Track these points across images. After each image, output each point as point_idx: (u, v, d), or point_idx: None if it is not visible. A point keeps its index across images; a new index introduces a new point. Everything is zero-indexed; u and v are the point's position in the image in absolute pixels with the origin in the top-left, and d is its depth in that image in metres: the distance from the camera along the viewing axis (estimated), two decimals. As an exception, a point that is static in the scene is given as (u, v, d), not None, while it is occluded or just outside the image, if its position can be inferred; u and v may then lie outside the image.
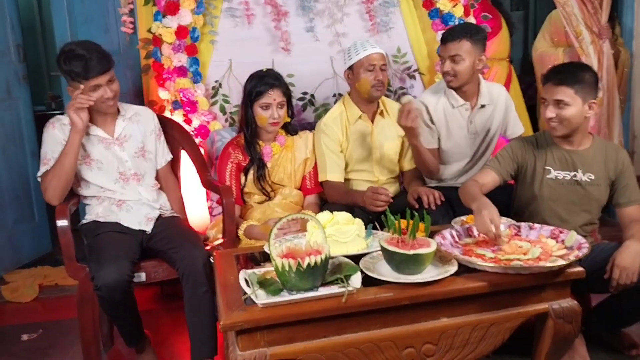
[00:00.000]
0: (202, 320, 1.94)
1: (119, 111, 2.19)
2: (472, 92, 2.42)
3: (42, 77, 5.69)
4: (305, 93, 2.95)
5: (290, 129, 2.46)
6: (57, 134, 2.09)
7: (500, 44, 3.41)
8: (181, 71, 2.74)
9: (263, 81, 2.29)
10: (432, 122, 2.46)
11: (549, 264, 1.53)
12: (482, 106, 2.44)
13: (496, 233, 1.68)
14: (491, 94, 2.47)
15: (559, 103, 1.91)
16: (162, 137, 2.33)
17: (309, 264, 1.40)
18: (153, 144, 2.27)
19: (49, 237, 3.48)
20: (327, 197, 2.48)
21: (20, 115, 3.34)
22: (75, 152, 2.02)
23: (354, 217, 1.77)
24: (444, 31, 2.51)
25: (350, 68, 2.44)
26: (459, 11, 2.87)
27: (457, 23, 2.87)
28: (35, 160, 3.40)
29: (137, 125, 2.23)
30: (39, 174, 2.08)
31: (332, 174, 2.43)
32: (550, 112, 1.94)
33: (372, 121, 2.52)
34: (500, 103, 2.49)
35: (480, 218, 1.72)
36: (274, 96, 2.27)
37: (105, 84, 2.05)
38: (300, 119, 2.93)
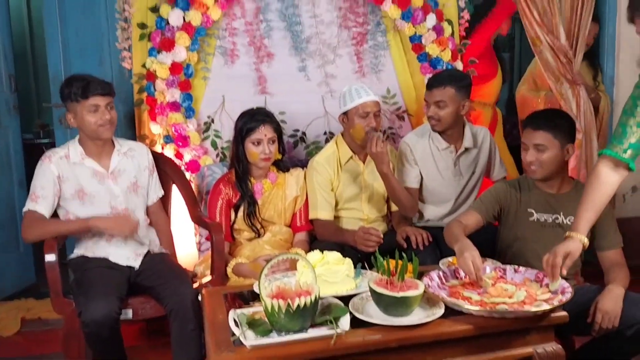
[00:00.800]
0: (190, 357, 1.93)
1: (114, 145, 2.21)
2: (457, 135, 2.49)
3: (31, 106, 5.69)
4: (296, 130, 3.01)
5: (282, 165, 2.50)
6: (52, 169, 2.10)
7: (491, 89, 3.56)
8: (174, 106, 2.78)
9: (254, 118, 2.34)
10: (415, 163, 2.51)
11: (533, 309, 1.56)
12: (466, 149, 2.51)
13: (477, 275, 1.72)
14: (475, 137, 2.54)
15: (537, 147, 1.99)
16: (155, 173, 2.35)
17: (298, 305, 1.42)
18: (146, 180, 2.29)
19: (33, 268, 3.44)
20: (317, 234, 2.50)
21: (9, 144, 3.34)
22: (70, 232, 2.09)
23: (344, 254, 1.80)
24: (430, 76, 2.60)
25: (345, 113, 2.49)
26: (447, 56, 2.97)
27: (445, 67, 2.96)
28: (22, 190, 3.39)
29: (131, 160, 2.25)
30: (25, 208, 2.09)
31: (323, 211, 2.47)
32: (530, 156, 2.01)
33: (364, 161, 2.57)
34: (484, 146, 2.56)
35: (463, 260, 1.76)
36: (265, 132, 2.31)
37: (104, 107, 2.08)
38: (291, 155, 2.97)
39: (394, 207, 2.62)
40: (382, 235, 2.28)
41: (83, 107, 2.07)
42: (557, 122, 1.99)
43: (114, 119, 2.14)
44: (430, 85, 2.42)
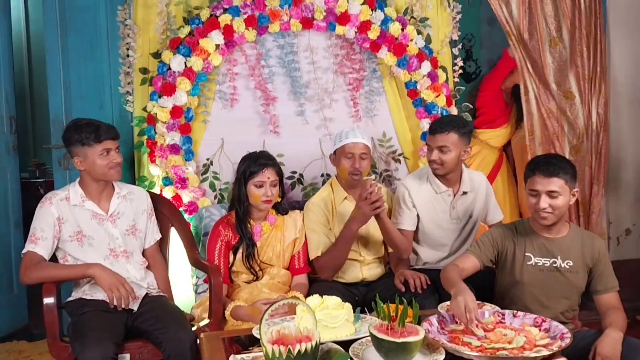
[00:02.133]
0: None
1: (114, 188, 2.24)
2: (455, 179, 2.53)
3: (28, 146, 5.72)
4: (294, 172, 3.05)
5: (281, 208, 2.52)
6: (52, 211, 2.11)
7: (500, 134, 3.64)
8: (174, 149, 2.82)
9: (258, 161, 2.38)
10: (413, 206, 2.53)
11: (533, 354, 1.56)
12: (464, 193, 2.54)
13: (469, 319, 1.73)
14: (472, 181, 2.58)
15: (551, 193, 1.99)
16: (153, 217, 2.37)
17: (299, 351, 1.42)
18: (144, 223, 2.30)
19: (26, 309, 3.40)
20: (320, 272, 2.50)
21: (7, 185, 3.34)
22: (70, 278, 2.10)
23: (343, 298, 1.81)
24: (432, 122, 2.64)
25: (335, 152, 2.57)
26: (441, 101, 3.04)
27: (440, 112, 3.03)
28: (18, 231, 3.38)
29: (130, 203, 2.27)
30: (25, 250, 2.09)
31: (320, 252, 2.48)
32: (543, 203, 2.00)
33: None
34: (481, 191, 2.60)
35: (456, 304, 1.78)
36: (267, 175, 2.35)
37: (114, 150, 2.15)
38: (288, 197, 2.99)
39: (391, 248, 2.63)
40: (379, 194, 2.28)
41: (95, 151, 2.11)
42: (566, 167, 2.01)
43: (121, 161, 2.20)
44: (434, 130, 2.46)
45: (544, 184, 2.00)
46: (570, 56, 3.26)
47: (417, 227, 2.56)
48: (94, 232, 2.16)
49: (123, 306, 2.02)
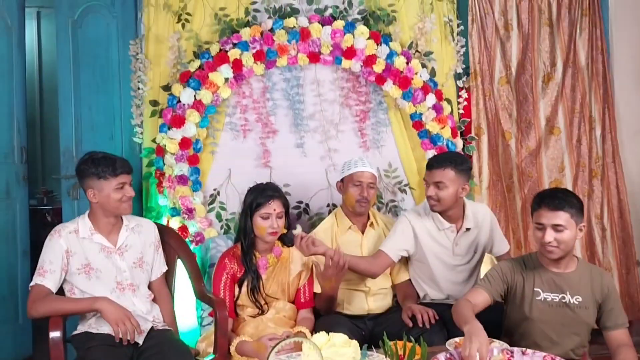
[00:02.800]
0: None
1: (122, 221, 2.25)
2: (457, 215, 2.50)
3: (37, 174, 5.77)
4: (300, 202, 3.06)
5: (287, 239, 2.52)
6: (61, 244, 2.12)
7: None
8: (182, 180, 2.84)
9: (264, 193, 2.38)
10: (414, 238, 2.50)
11: (543, 395, 1.54)
12: (467, 229, 2.51)
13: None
14: (476, 216, 2.54)
15: (557, 227, 1.98)
16: (160, 249, 2.37)
17: (306, 390, 1.41)
18: (151, 256, 2.31)
19: (31, 341, 3.38)
20: (317, 307, 2.49)
21: (16, 215, 3.36)
22: (77, 312, 2.10)
23: (349, 334, 1.80)
24: (431, 157, 2.65)
25: (342, 180, 2.60)
26: (446, 133, 3.06)
27: (445, 143, 3.05)
28: (25, 260, 3.38)
29: (138, 236, 2.28)
30: (32, 283, 2.09)
31: (317, 287, 2.47)
32: (549, 237, 1.99)
33: (362, 231, 2.61)
34: (485, 225, 2.56)
35: (469, 345, 1.74)
36: (274, 206, 2.36)
37: (128, 184, 2.17)
38: (295, 226, 3.00)
39: (398, 280, 2.62)
40: (344, 259, 2.25)
41: (110, 185, 2.13)
42: (573, 202, 2.01)
43: (134, 195, 2.21)
44: (430, 165, 2.45)
45: (549, 218, 1.99)
46: (562, 90, 3.31)
47: (421, 265, 2.54)
48: (101, 265, 2.16)
49: (129, 339, 2.01)
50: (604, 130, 3.43)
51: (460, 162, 2.44)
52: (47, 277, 2.07)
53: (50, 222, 5.31)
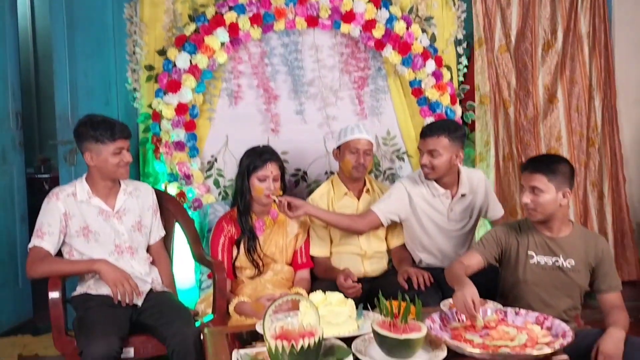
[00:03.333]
0: None
1: (120, 185, 2.25)
2: (452, 182, 2.50)
3: (33, 141, 5.75)
4: (298, 170, 3.06)
5: None
6: (59, 206, 2.13)
7: None
8: (179, 145, 2.83)
9: (262, 156, 2.40)
10: (409, 204, 2.51)
11: (535, 352, 1.57)
12: (463, 195, 2.52)
13: (471, 313, 1.76)
14: (471, 182, 2.54)
15: (534, 189, 2.03)
16: (158, 214, 2.38)
17: (302, 347, 1.43)
18: (149, 219, 2.32)
19: (31, 303, 3.42)
20: (315, 271, 2.53)
21: (13, 181, 3.36)
22: (75, 272, 2.11)
23: (345, 295, 1.82)
24: (424, 125, 2.63)
25: (339, 147, 2.60)
26: (445, 100, 3.04)
27: (444, 110, 3.04)
28: (24, 226, 3.40)
29: (136, 199, 2.28)
30: (31, 245, 2.10)
31: (316, 248, 2.54)
32: (526, 198, 2.05)
33: (358, 197, 2.62)
34: (480, 190, 2.57)
35: (462, 296, 1.81)
36: (271, 169, 2.37)
37: (126, 149, 2.15)
38: (293, 194, 3.00)
39: (393, 245, 2.64)
40: (358, 285, 2.29)
41: (108, 149, 2.11)
42: (554, 166, 2.04)
43: (131, 161, 2.20)
44: (424, 134, 2.44)
45: (527, 179, 2.05)
46: (562, 60, 3.29)
47: (416, 230, 2.55)
48: (100, 228, 2.17)
49: (127, 302, 2.03)
50: (604, 99, 3.42)
51: (454, 130, 2.43)
52: (45, 239, 2.08)
53: (48, 191, 5.32)
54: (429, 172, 2.43)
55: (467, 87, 3.24)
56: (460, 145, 2.43)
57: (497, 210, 2.64)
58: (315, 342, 1.45)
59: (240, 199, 2.42)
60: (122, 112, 3.06)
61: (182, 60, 2.77)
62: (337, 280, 2.32)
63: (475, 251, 2.16)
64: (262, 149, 2.45)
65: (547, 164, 2.05)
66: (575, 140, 3.39)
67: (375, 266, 2.61)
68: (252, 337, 1.79)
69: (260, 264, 2.41)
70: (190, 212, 2.77)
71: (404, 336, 1.52)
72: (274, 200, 2.33)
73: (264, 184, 2.36)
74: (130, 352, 2.00)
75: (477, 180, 2.58)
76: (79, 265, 2.10)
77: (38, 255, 2.06)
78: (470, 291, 1.81)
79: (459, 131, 2.46)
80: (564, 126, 3.39)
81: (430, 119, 3.02)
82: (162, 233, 2.40)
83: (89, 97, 3.20)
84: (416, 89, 3.04)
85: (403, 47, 2.95)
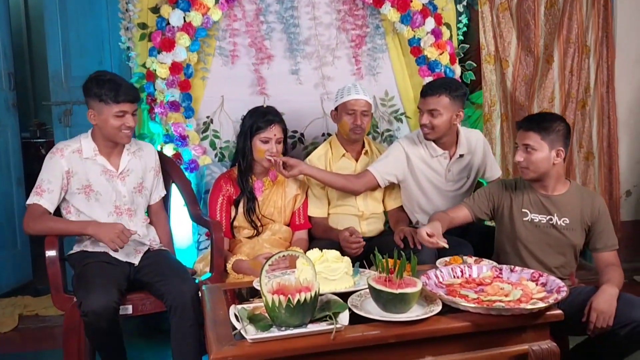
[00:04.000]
0: (189, 354, 1.95)
1: (123, 145, 2.21)
2: (451, 142, 2.49)
3: (28, 105, 5.70)
4: (295, 132, 3.03)
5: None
6: (62, 164, 2.09)
7: None
8: (174, 106, 2.79)
9: (265, 117, 2.37)
10: (407, 165, 2.50)
11: (529, 306, 1.58)
12: (461, 156, 2.51)
13: (426, 242, 1.95)
14: (469, 142, 2.54)
15: (527, 147, 2.02)
16: (160, 174, 2.36)
17: (298, 301, 1.44)
18: (151, 180, 2.30)
19: (30, 265, 3.45)
20: (312, 232, 2.53)
21: (7, 143, 3.35)
22: (69, 233, 2.09)
23: (342, 253, 1.83)
24: (425, 84, 2.58)
25: (336, 109, 2.56)
26: (445, 59, 3.00)
27: (443, 70, 2.99)
28: (20, 188, 3.40)
29: (139, 160, 2.26)
30: (29, 201, 2.08)
31: (314, 209, 2.54)
32: (519, 156, 2.05)
33: (356, 159, 2.61)
34: (478, 150, 2.56)
35: (419, 231, 1.98)
36: (274, 131, 2.35)
37: (130, 113, 2.10)
38: (290, 156, 2.98)
39: (390, 207, 2.64)
40: (363, 241, 2.30)
41: (110, 110, 2.06)
42: (548, 124, 2.02)
43: (135, 125, 2.15)
44: (425, 93, 2.40)
45: (520, 137, 2.05)
46: (561, 19, 3.22)
47: (414, 191, 2.55)
48: (102, 188, 2.14)
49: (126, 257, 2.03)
50: (601, 60, 3.38)
51: (455, 89, 2.40)
52: (44, 196, 2.06)
53: (45, 155, 5.30)
54: (428, 132, 2.41)
55: (467, 46, 3.18)
56: (460, 104, 2.41)
57: (494, 171, 2.64)
58: (311, 296, 1.46)
59: (242, 159, 2.40)
60: (116, 72, 2.99)
61: (175, 17, 2.70)
62: (341, 235, 2.33)
63: (463, 205, 2.19)
64: (266, 110, 2.41)
65: (541, 122, 2.04)
66: (567, 101, 3.37)
67: (372, 227, 2.61)
68: (249, 294, 1.81)
69: (259, 224, 2.41)
70: (186, 174, 2.76)
71: (399, 291, 1.53)
72: (269, 160, 2.31)
73: (266, 145, 2.34)
74: (128, 309, 2.01)
75: (476, 141, 2.57)
76: (73, 226, 2.08)
77: (35, 213, 2.04)
78: (428, 225, 1.97)
79: (460, 90, 2.42)
80: (558, 87, 3.37)
81: (429, 79, 2.98)
82: (163, 193, 2.39)
83: (82, 57, 3.16)
84: (415, 48, 2.99)
85: (402, 4, 2.89)
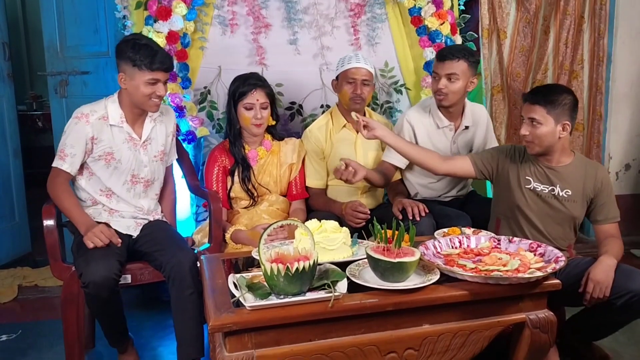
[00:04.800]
0: (189, 322, 1.95)
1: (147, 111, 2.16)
2: (457, 113, 2.48)
3: (24, 76, 5.64)
4: (293, 103, 2.99)
5: (276, 134, 2.50)
6: (87, 130, 2.03)
7: None
8: (171, 76, 2.75)
9: (246, 82, 2.34)
10: (415, 142, 2.49)
11: (527, 275, 1.59)
12: (466, 128, 2.50)
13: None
14: (474, 115, 2.53)
15: (532, 121, 2.00)
16: (175, 138, 2.34)
17: (297, 269, 1.44)
18: (169, 145, 2.29)
19: (29, 237, 3.45)
20: (311, 203, 2.53)
21: (3, 114, 3.31)
22: (72, 220, 2.02)
23: (340, 224, 1.83)
24: (440, 49, 2.54)
25: (337, 78, 2.54)
26: (445, 29, 2.95)
27: (444, 41, 2.95)
28: (17, 160, 3.38)
29: (160, 126, 2.22)
30: (54, 164, 2.03)
31: (312, 180, 2.53)
32: (524, 130, 2.03)
33: (357, 131, 2.58)
34: (481, 123, 2.56)
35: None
36: (257, 96, 2.31)
37: (162, 82, 2.05)
38: (288, 128, 2.97)
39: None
40: (369, 211, 2.30)
41: (143, 77, 2.00)
42: (554, 98, 1.99)
43: (165, 94, 2.10)
44: (444, 56, 2.35)
45: (526, 111, 2.03)
46: None
47: (417, 168, 2.52)
48: (123, 156, 2.10)
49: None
50: (597, 30, 3.34)
51: (472, 54, 2.39)
52: (67, 160, 2.02)
53: (42, 128, 5.27)
54: (443, 97, 2.38)
55: (468, 16, 3.13)
56: (474, 71, 2.39)
57: (493, 145, 2.62)
58: (310, 265, 1.46)
59: (230, 128, 2.38)
60: (112, 41, 2.96)
61: (172, -15, 2.65)
62: (346, 206, 2.33)
63: (467, 156, 2.20)
64: (249, 75, 2.38)
65: (547, 95, 2.01)
66: (560, 73, 3.36)
67: (371, 199, 2.61)
68: (248, 264, 1.81)
69: (255, 194, 2.40)
70: (184, 145, 2.74)
71: (397, 260, 1.53)
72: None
73: (251, 112, 2.31)
74: (127, 278, 2.02)
75: (479, 114, 2.56)
76: (75, 215, 2.01)
77: (57, 177, 2.02)
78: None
79: (475, 56, 2.41)
80: (551, 59, 3.35)
81: (429, 50, 2.95)
82: (175, 157, 2.37)
83: (77, 26, 3.10)
84: (415, 17, 2.94)
85: (403, -29, 2.83)
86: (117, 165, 2.10)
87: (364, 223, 2.29)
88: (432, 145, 2.50)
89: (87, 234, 1.94)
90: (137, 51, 1.99)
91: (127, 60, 2.01)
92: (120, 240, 2.00)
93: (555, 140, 2.03)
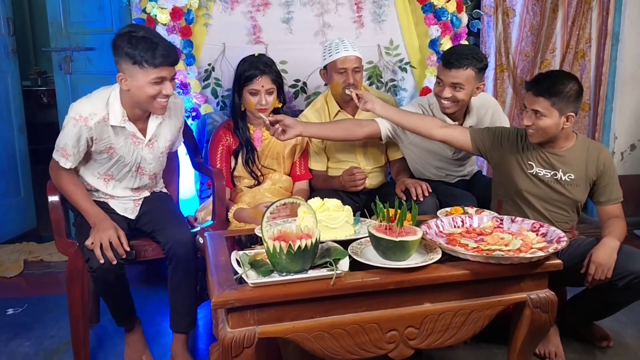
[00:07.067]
0: (183, 297, 1.98)
1: None
2: (461, 114, 2.38)
3: (28, 52, 5.62)
4: (297, 80, 2.98)
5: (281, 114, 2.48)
6: (86, 133, 1.89)
7: None
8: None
9: (253, 66, 2.29)
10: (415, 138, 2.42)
11: (528, 255, 1.59)
12: (470, 127, 2.45)
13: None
14: (479, 111, 2.43)
15: (536, 113, 1.96)
16: (182, 128, 2.24)
17: (299, 247, 1.44)
18: (176, 136, 2.18)
19: (34, 212, 3.48)
20: (313, 184, 2.54)
21: (8, 90, 3.31)
22: (78, 208, 1.96)
23: (343, 204, 1.83)
24: (446, 51, 2.36)
25: (325, 67, 2.48)
26: (452, 7, 2.90)
27: (449, 18, 2.90)
28: (22, 135, 3.39)
29: (168, 121, 2.07)
30: (54, 156, 1.93)
31: (313, 163, 2.53)
32: (527, 120, 1.99)
33: (353, 115, 2.55)
34: (487, 117, 2.46)
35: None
36: (262, 83, 2.28)
37: (169, 79, 1.83)
38: (292, 106, 2.95)
39: (392, 157, 2.62)
40: (365, 173, 2.34)
41: (147, 76, 1.78)
42: (559, 89, 1.93)
43: (173, 92, 1.87)
44: (450, 63, 2.17)
45: (530, 102, 1.98)
46: None
47: (418, 154, 2.51)
48: (126, 153, 2.00)
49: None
50: (605, 9, 3.30)
51: (481, 59, 2.20)
52: (70, 159, 1.92)
53: (47, 103, 5.27)
54: (449, 105, 2.24)
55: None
56: (482, 77, 2.25)
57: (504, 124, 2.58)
58: (312, 243, 1.47)
59: (233, 110, 2.37)
60: (116, 18, 2.94)
61: (175, -40, 2.61)
62: (344, 172, 2.34)
63: (467, 129, 2.18)
64: (255, 59, 2.32)
65: (551, 86, 1.94)
66: (567, 52, 3.33)
67: (374, 180, 2.60)
68: (251, 242, 1.82)
69: (259, 174, 2.40)
70: (188, 122, 2.73)
71: (399, 238, 1.54)
72: (264, 122, 2.18)
73: (256, 98, 2.28)
74: (132, 254, 2.02)
75: (486, 108, 2.46)
76: (84, 206, 1.95)
77: (61, 171, 1.95)
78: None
79: (484, 61, 2.23)
80: (560, 38, 3.31)
81: (435, 28, 2.90)
82: (181, 142, 2.31)
83: (81, 2, 3.08)
84: (421, -6, 2.90)
85: (409, -53, 2.78)
86: (119, 159, 2.01)
87: (363, 184, 2.31)
88: (435, 145, 2.43)
89: (94, 232, 1.85)
90: (135, 46, 1.75)
91: (125, 58, 1.77)
92: (124, 252, 1.86)
93: (559, 130, 2.00)
